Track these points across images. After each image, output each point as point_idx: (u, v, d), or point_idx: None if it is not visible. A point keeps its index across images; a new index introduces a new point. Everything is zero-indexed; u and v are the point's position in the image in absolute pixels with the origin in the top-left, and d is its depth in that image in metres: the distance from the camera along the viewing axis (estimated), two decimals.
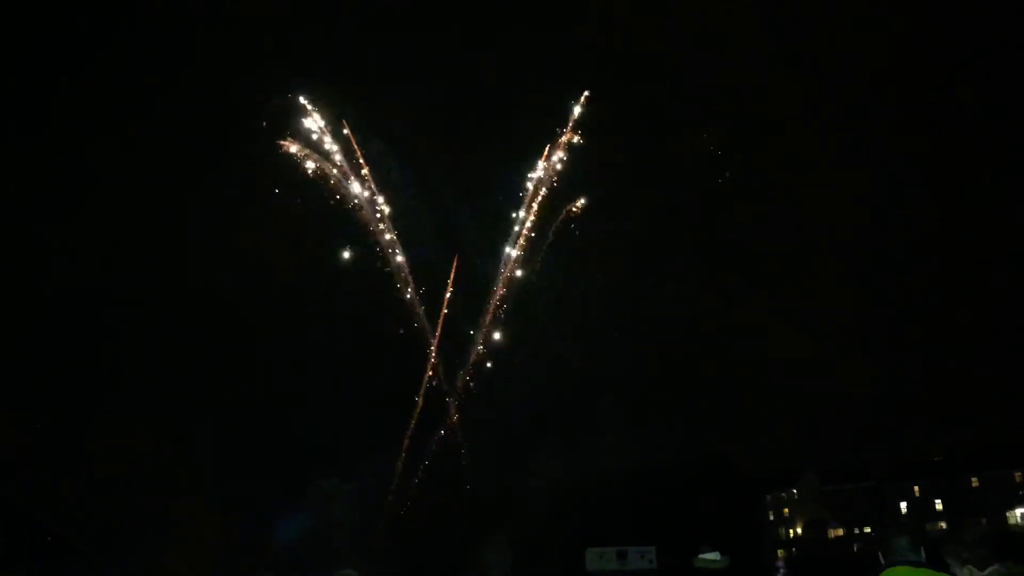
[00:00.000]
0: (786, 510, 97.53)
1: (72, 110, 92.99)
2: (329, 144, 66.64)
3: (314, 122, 65.66)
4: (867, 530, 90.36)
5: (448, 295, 74.82)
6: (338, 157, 67.89)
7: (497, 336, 77.79)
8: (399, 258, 71.30)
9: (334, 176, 67.85)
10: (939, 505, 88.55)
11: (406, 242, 71.42)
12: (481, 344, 78.54)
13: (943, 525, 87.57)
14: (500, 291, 75.09)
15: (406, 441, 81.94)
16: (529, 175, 71.86)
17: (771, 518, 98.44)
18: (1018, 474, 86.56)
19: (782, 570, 66.93)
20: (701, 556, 22.10)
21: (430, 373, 78.30)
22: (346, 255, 71.30)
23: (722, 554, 22.21)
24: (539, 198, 71.66)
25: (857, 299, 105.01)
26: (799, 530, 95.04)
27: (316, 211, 70.59)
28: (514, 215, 72.85)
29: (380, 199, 69.66)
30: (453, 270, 74.21)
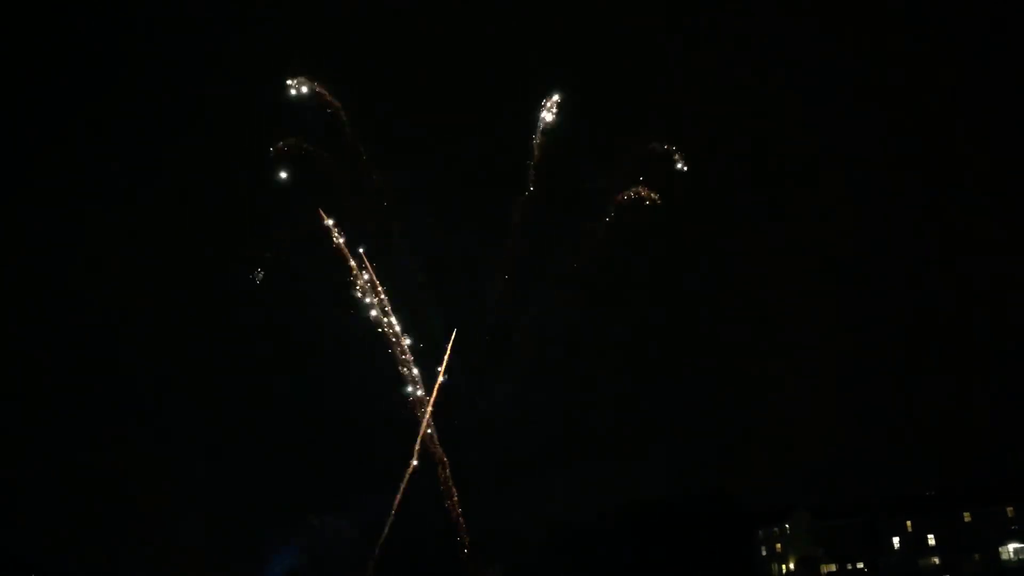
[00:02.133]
0: (778, 546, 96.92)
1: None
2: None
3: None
4: (860, 566, 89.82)
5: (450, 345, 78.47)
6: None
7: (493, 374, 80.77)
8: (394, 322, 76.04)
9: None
10: (932, 540, 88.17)
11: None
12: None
13: (936, 560, 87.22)
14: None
15: (403, 479, 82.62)
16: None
17: (763, 554, 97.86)
18: (1010, 509, 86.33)
19: None
20: None
21: (429, 412, 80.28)
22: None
23: None
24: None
25: (851, 335, 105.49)
26: (792, 566, 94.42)
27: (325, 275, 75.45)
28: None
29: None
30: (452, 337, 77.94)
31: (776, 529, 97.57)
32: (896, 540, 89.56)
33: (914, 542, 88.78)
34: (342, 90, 73.23)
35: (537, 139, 73.66)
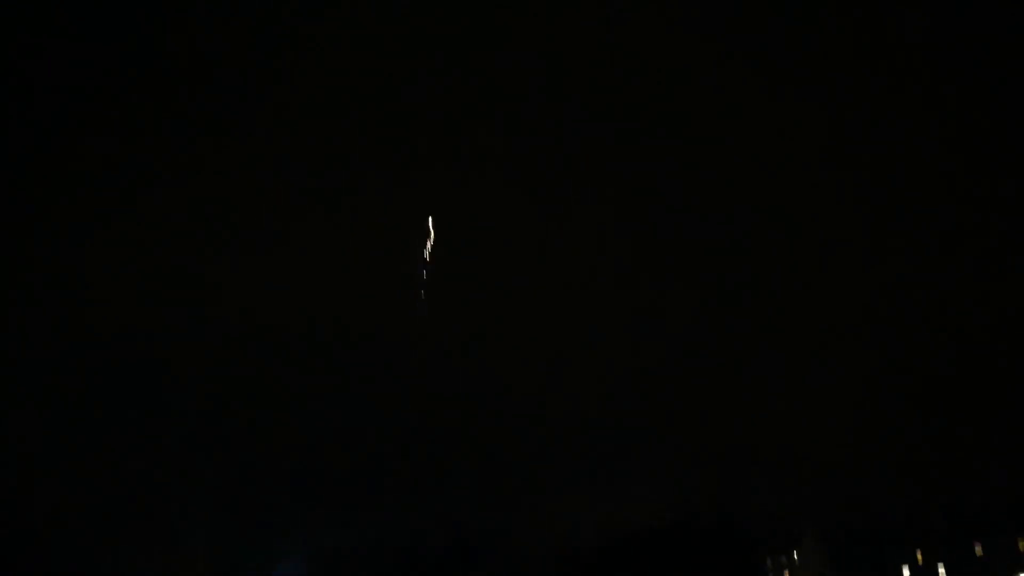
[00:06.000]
0: (787, 573, 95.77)
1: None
2: None
3: None
4: None
5: None
6: None
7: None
8: None
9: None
10: (942, 570, 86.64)
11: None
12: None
13: None
14: None
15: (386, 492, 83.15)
16: None
17: None
18: (1023, 541, 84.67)
19: None
20: None
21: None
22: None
23: None
24: None
25: (862, 359, 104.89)
26: None
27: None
28: None
29: None
30: None
31: (784, 557, 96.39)
32: (906, 570, 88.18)
33: (924, 572, 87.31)
34: None
35: None
